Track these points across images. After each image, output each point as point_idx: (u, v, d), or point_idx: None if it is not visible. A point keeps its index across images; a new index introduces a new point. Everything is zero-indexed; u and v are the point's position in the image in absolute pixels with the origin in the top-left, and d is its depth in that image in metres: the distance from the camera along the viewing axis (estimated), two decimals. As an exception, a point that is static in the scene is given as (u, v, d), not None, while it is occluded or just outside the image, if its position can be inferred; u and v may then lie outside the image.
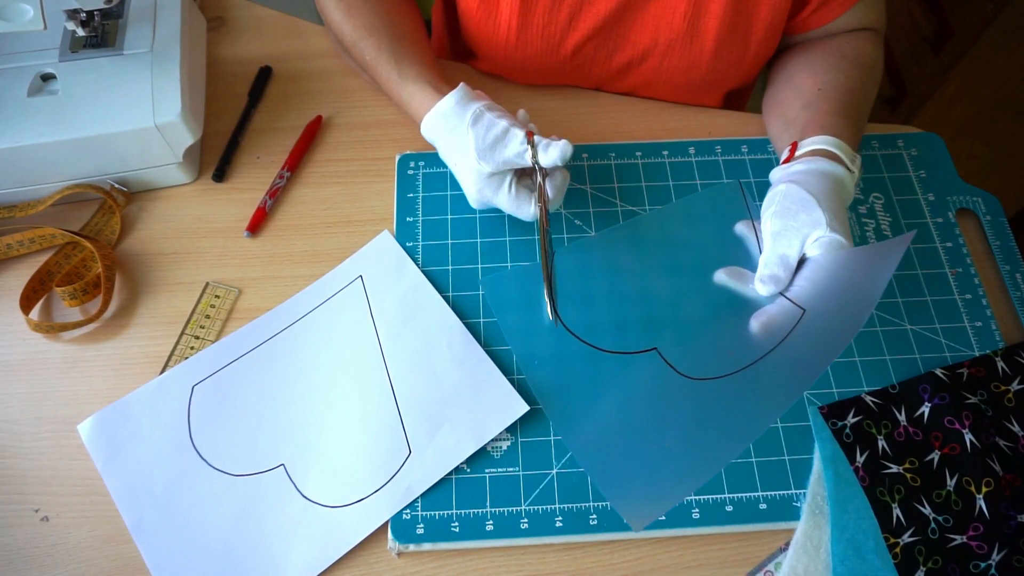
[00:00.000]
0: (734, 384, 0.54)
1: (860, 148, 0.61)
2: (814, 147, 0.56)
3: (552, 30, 0.63)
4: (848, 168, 0.56)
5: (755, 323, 0.55)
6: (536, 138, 0.55)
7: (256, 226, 0.63)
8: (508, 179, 0.56)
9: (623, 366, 0.56)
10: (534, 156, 0.54)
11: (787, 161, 0.58)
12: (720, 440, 0.53)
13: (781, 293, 0.55)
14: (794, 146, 0.58)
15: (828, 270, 0.53)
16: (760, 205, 0.59)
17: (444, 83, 0.59)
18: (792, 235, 0.54)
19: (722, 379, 0.54)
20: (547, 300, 0.54)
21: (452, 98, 0.57)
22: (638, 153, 0.67)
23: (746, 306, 0.57)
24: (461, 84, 0.58)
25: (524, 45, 0.65)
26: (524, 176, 0.58)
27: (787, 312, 0.54)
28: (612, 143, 0.67)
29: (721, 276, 0.59)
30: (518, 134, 0.55)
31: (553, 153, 0.54)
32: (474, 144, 0.55)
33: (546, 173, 0.57)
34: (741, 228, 0.62)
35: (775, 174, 0.59)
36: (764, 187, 0.60)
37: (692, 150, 0.67)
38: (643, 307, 0.58)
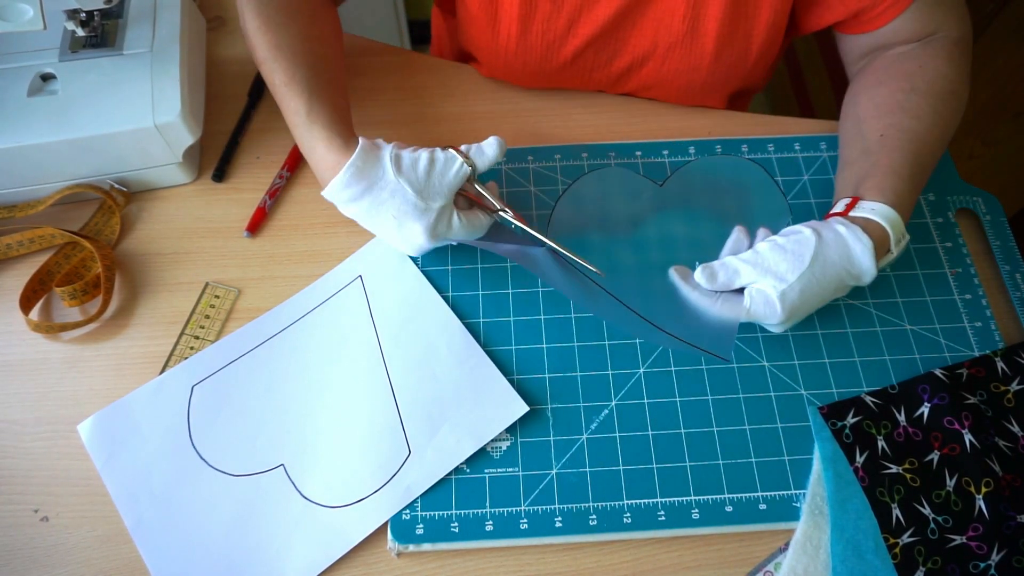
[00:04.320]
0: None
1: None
2: (868, 217, 0.53)
3: (551, 37, 0.63)
4: (890, 249, 0.53)
5: (673, 270, 0.56)
6: (463, 147, 0.54)
7: (256, 226, 0.63)
8: (452, 207, 0.54)
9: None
10: (470, 164, 0.53)
11: (840, 215, 0.54)
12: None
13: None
14: (853, 202, 0.54)
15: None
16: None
17: (351, 132, 0.55)
18: (755, 272, 0.51)
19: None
20: (582, 263, 0.56)
21: (359, 155, 0.52)
22: (638, 153, 0.66)
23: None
24: (359, 138, 0.53)
25: (524, 52, 0.65)
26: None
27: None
28: (612, 143, 0.67)
29: (672, 274, 0.56)
30: (444, 154, 0.53)
31: (489, 151, 0.54)
32: (411, 187, 0.52)
33: (478, 180, 0.56)
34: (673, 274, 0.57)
35: (829, 217, 0.54)
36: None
37: (692, 150, 0.66)
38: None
